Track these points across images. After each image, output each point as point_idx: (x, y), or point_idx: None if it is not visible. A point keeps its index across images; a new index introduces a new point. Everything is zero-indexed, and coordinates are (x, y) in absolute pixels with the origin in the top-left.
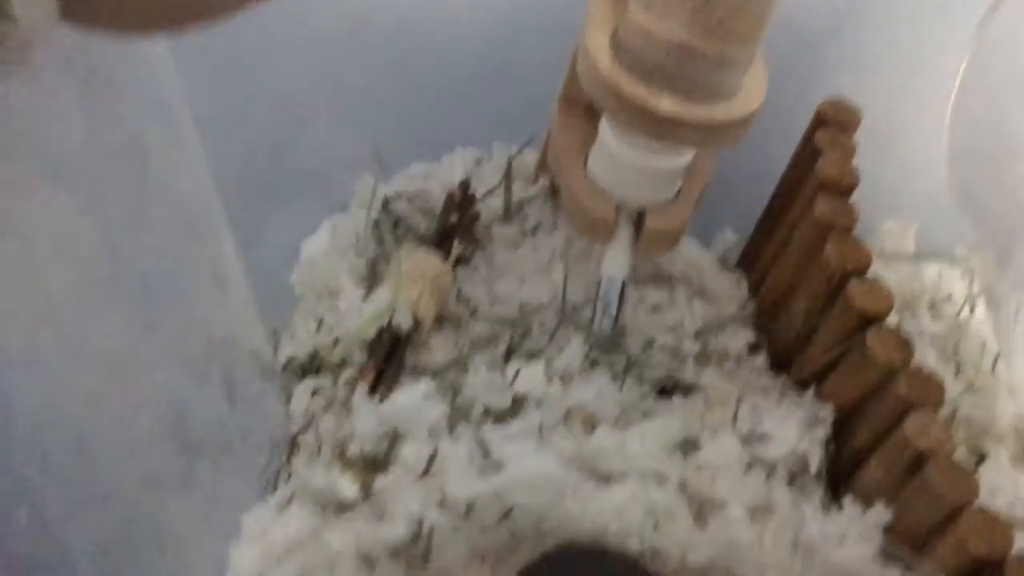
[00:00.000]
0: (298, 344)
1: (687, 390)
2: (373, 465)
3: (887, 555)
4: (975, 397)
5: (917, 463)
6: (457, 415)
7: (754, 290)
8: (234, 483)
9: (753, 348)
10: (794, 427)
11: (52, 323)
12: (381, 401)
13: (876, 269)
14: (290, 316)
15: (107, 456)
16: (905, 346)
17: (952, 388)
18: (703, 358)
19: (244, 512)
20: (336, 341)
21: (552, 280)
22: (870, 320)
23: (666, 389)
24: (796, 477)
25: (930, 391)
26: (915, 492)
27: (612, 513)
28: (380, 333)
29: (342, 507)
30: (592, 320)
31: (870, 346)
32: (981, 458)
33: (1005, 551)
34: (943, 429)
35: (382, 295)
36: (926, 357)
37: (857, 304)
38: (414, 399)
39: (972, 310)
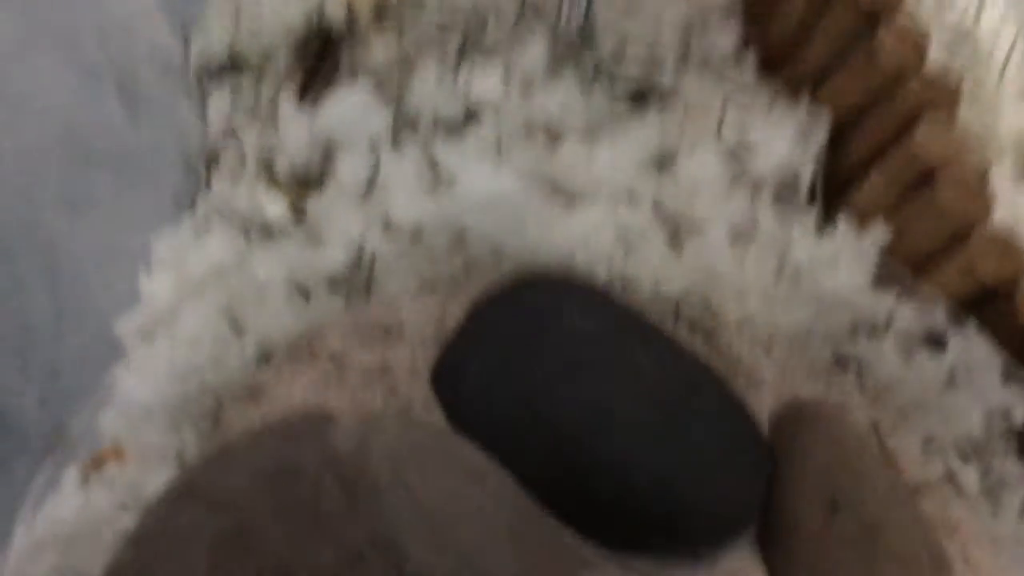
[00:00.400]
0: (212, 41)
1: (665, 98)
2: (305, 183)
3: (883, 279)
4: (978, 106)
5: (925, 176)
6: (402, 125)
7: None
8: (142, 203)
9: (742, 48)
10: (785, 138)
11: None
12: (312, 108)
13: None
14: (201, 7)
15: None
16: (919, 44)
17: None
18: (684, 60)
19: (155, 236)
20: (258, 37)
21: None
22: (880, 12)
23: (641, 97)
24: (785, 195)
25: (945, 96)
26: (920, 209)
27: (578, 238)
28: (309, 28)
29: (270, 231)
30: (558, 14)
31: (880, 42)
32: (983, 173)
33: (1017, 276)
34: (957, 139)
35: None
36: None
37: None
38: (351, 106)
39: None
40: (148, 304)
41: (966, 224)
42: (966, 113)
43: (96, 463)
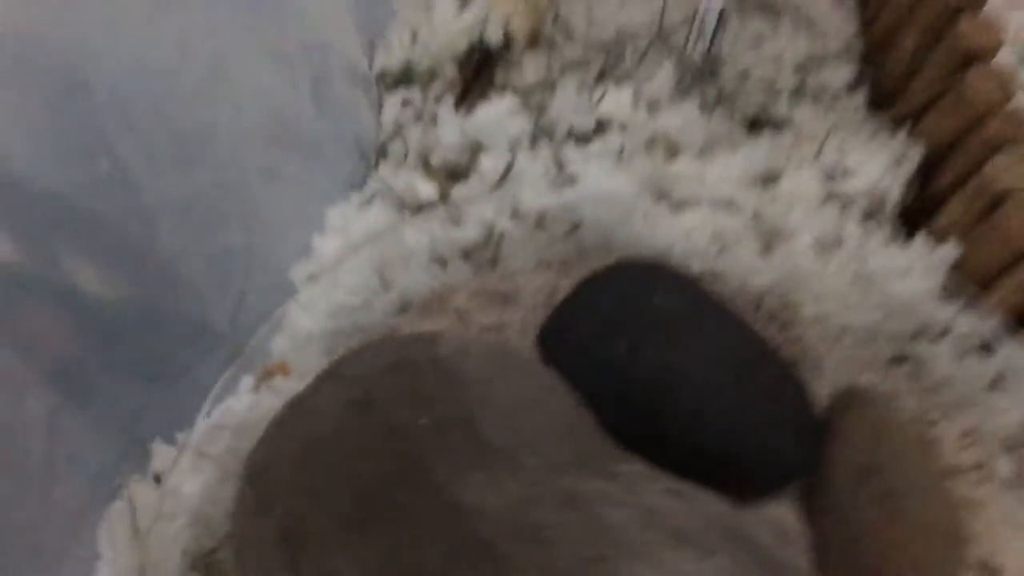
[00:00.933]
0: (392, 56)
1: (779, 125)
2: (453, 174)
3: (949, 291)
4: None
5: (995, 202)
6: (539, 132)
7: (868, 26)
8: (323, 181)
9: (854, 85)
10: (879, 164)
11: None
12: (467, 115)
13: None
14: (386, 31)
15: (193, 124)
16: (1005, 86)
17: None
18: (800, 93)
19: (329, 206)
20: (428, 55)
21: (652, 5)
22: (975, 57)
23: (757, 123)
24: (873, 213)
25: (1020, 131)
26: (988, 230)
27: (679, 235)
28: (471, 48)
29: (420, 207)
30: (687, 46)
31: (969, 83)
32: None
33: None
34: None
35: (475, 10)
36: None
37: (963, 39)
38: (498, 113)
39: None
40: (318, 257)
41: None
42: None
43: (267, 374)
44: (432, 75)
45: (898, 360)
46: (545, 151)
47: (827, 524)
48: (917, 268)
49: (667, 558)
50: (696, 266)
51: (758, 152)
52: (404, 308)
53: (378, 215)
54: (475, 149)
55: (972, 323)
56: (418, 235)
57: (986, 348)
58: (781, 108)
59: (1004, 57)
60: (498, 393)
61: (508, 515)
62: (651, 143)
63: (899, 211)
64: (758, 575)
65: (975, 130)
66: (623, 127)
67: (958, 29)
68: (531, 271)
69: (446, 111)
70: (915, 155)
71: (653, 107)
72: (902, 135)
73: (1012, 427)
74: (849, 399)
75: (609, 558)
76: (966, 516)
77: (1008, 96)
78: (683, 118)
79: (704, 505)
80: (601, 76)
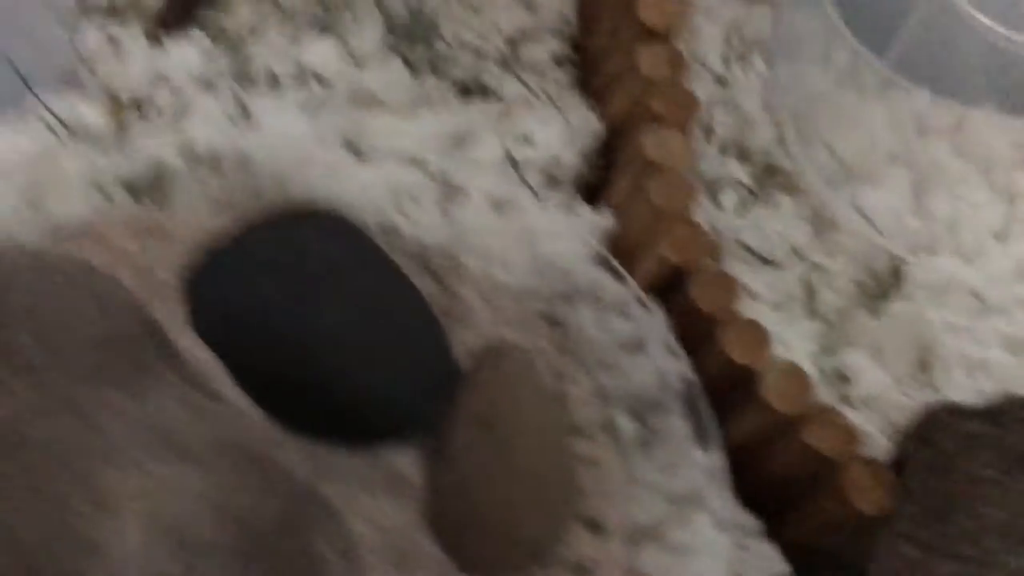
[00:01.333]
0: None
1: (484, 92)
2: (133, 107)
3: (600, 260)
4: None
5: (648, 174)
6: (231, 74)
7: (580, 5)
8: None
9: (560, 61)
10: (561, 135)
11: None
12: (159, 49)
13: None
14: None
15: None
16: (675, 63)
17: None
18: (508, 64)
19: None
20: None
21: None
22: (653, 35)
23: (466, 89)
24: (550, 182)
25: (681, 109)
26: (638, 203)
27: (359, 188)
28: None
29: (85, 135)
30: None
31: (638, 58)
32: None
33: (698, 262)
34: (682, 146)
35: None
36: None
37: (640, 16)
38: (189, 51)
39: None
40: None
41: (668, 214)
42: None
43: None
44: (132, 8)
45: (546, 318)
46: (230, 93)
47: (442, 472)
48: (575, 235)
49: (154, 469)
50: (371, 219)
51: (458, 116)
52: (55, 236)
53: (35, 138)
54: (158, 83)
55: (616, 289)
56: (79, 163)
57: (625, 313)
58: (489, 76)
59: (682, 38)
60: (39, 303)
61: (8, 423)
62: (351, 97)
63: (579, 182)
64: (270, 502)
65: (643, 105)
66: (321, 78)
67: (639, 5)
68: (196, 211)
69: (138, 44)
70: (594, 130)
71: (359, 62)
72: (591, 111)
73: (640, 389)
74: (486, 353)
75: (95, 468)
76: (583, 472)
77: (676, 72)
78: (389, 76)
79: (226, 429)
80: (308, 26)
